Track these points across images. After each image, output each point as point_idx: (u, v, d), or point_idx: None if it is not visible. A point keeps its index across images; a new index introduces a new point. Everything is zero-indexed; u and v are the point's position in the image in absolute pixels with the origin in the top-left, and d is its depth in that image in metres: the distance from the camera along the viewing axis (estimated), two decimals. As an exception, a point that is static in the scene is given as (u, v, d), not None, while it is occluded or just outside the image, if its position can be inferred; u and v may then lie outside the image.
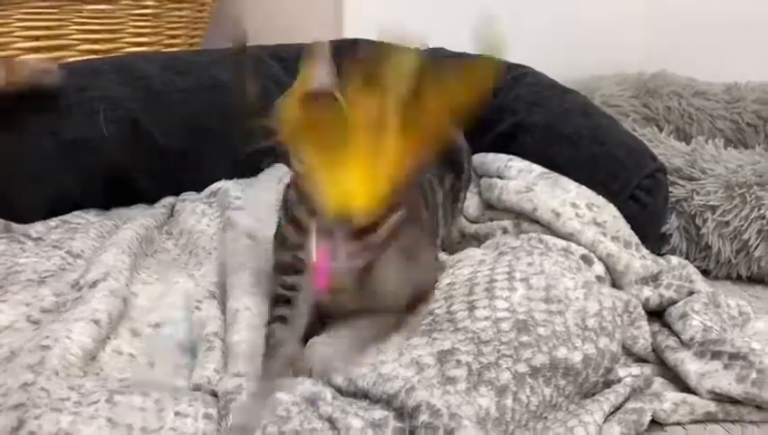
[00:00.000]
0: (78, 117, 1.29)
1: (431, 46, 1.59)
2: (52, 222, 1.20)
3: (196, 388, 0.83)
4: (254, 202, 1.23)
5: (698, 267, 1.22)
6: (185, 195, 1.33)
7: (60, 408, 0.70)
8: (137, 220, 1.18)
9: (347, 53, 1.53)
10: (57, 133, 1.27)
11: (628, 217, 1.17)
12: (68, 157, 1.26)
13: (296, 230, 0.90)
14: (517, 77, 1.44)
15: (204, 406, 0.76)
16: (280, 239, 0.95)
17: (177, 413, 0.73)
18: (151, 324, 0.93)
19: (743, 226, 1.34)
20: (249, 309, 0.93)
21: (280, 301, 0.93)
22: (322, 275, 0.67)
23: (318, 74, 0.80)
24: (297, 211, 0.90)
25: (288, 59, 1.52)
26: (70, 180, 1.26)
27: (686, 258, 1.29)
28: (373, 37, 1.60)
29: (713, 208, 1.35)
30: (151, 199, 1.33)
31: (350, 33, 1.77)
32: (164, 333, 0.92)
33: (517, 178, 1.21)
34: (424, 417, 0.74)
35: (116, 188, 1.31)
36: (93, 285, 0.93)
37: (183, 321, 0.94)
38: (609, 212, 1.15)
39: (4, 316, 0.90)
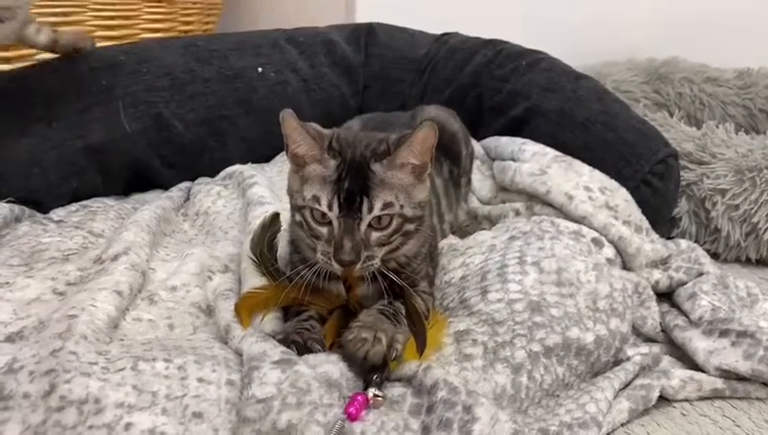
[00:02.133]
0: (103, 118, 1.32)
1: (445, 31, 1.62)
2: (73, 207, 1.23)
3: (225, 331, 0.86)
4: (266, 179, 1.26)
5: (708, 250, 1.23)
6: (200, 179, 1.36)
7: (89, 372, 0.73)
8: (155, 202, 1.21)
9: (364, 37, 1.57)
10: (84, 136, 1.29)
11: (640, 202, 1.19)
12: (93, 156, 1.29)
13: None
14: (531, 63, 1.45)
15: (227, 372, 0.77)
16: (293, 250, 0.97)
17: (200, 380, 0.75)
18: (167, 288, 0.96)
19: (752, 209, 1.35)
20: None
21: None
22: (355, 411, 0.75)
23: None
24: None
25: (305, 43, 1.54)
26: (94, 177, 1.30)
27: (696, 241, 1.31)
28: (386, 20, 1.64)
29: (723, 192, 1.37)
30: (164, 186, 1.36)
31: (362, 16, 1.79)
32: (179, 295, 0.95)
33: (531, 161, 1.23)
34: (442, 393, 0.77)
35: (136, 179, 1.35)
36: (115, 258, 0.96)
37: (197, 285, 0.98)
38: (621, 196, 1.17)
39: (32, 290, 0.93)
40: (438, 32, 1.62)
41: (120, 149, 1.31)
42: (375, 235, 0.84)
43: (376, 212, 0.83)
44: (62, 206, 1.23)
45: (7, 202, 1.17)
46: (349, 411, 0.74)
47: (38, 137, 1.25)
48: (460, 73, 1.48)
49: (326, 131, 0.88)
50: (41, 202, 1.22)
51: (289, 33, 1.56)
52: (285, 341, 0.83)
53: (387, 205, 0.83)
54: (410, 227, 0.86)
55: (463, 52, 1.52)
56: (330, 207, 0.83)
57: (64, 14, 1.59)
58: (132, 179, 1.35)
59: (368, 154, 0.85)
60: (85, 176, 1.28)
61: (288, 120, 0.84)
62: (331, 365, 0.79)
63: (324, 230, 0.84)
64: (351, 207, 0.82)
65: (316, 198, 0.83)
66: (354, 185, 0.82)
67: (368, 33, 1.59)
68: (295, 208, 0.87)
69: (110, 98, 1.33)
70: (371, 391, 0.77)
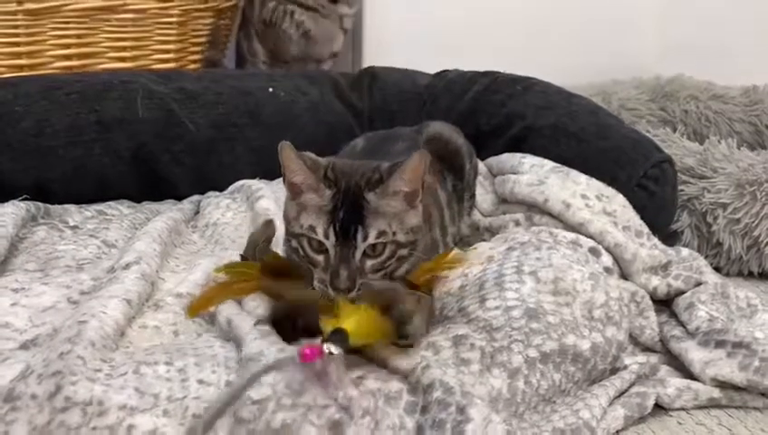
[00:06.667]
0: (118, 99, 1.40)
1: (439, 70, 1.67)
2: (88, 212, 1.28)
3: (227, 324, 0.89)
4: (273, 193, 1.29)
5: (710, 264, 1.23)
6: (210, 193, 1.39)
7: (93, 378, 0.75)
8: (166, 213, 1.25)
9: (367, 79, 1.62)
10: (97, 111, 1.38)
11: (637, 206, 1.21)
12: (103, 131, 1.37)
13: None
14: (526, 87, 1.51)
15: (226, 373, 0.80)
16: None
17: (200, 381, 0.78)
18: (173, 294, 0.99)
19: (753, 223, 1.36)
20: None
21: None
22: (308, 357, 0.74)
23: None
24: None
25: (314, 77, 1.64)
26: (100, 151, 1.36)
27: (698, 255, 1.32)
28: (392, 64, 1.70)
29: (724, 206, 1.38)
30: (172, 186, 1.41)
31: (369, 61, 1.88)
32: (184, 301, 0.98)
33: (530, 172, 1.26)
34: (437, 393, 0.79)
35: (144, 168, 1.40)
36: (127, 267, 0.99)
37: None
38: (618, 202, 1.19)
39: (48, 297, 0.96)
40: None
41: (129, 130, 1.38)
42: (369, 262, 0.87)
43: (370, 240, 0.87)
44: (65, 178, 1.32)
45: (22, 200, 1.22)
46: (304, 352, 0.73)
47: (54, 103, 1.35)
48: (459, 102, 1.54)
49: (322, 161, 0.91)
50: (44, 174, 1.32)
51: (300, 70, 1.72)
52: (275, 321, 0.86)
53: (381, 233, 0.87)
54: (404, 251, 0.90)
55: (461, 83, 1.59)
56: (326, 235, 0.86)
57: (78, 36, 1.64)
58: (139, 169, 1.39)
59: (362, 183, 0.88)
60: (91, 148, 1.35)
61: (285, 150, 0.88)
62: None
63: (321, 258, 0.87)
64: (347, 236, 0.86)
65: (312, 228, 0.87)
66: (349, 214, 0.86)
67: (371, 77, 1.66)
68: (291, 235, 0.91)
69: (129, 88, 1.42)
70: (327, 347, 0.74)
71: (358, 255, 0.86)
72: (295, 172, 0.89)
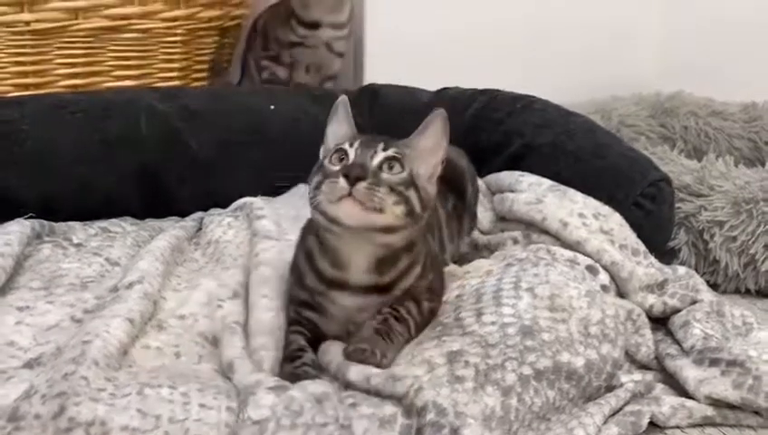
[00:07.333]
0: (121, 119, 1.43)
1: (443, 86, 1.69)
2: (92, 229, 1.30)
3: (228, 368, 0.90)
4: (274, 213, 1.31)
5: (707, 281, 1.25)
6: (213, 210, 1.41)
7: (97, 398, 0.77)
8: (169, 231, 1.26)
9: (368, 96, 1.65)
10: (101, 130, 1.41)
11: (634, 225, 1.23)
12: (107, 148, 1.39)
13: (317, 278, 0.97)
14: (525, 105, 1.53)
15: (228, 400, 0.81)
16: (297, 276, 1.00)
17: (201, 405, 0.79)
18: (175, 316, 1.01)
19: (750, 240, 1.37)
20: (266, 296, 1.02)
21: (296, 323, 1.00)
22: None
23: None
24: (320, 263, 0.97)
25: (317, 96, 1.66)
26: (104, 169, 1.38)
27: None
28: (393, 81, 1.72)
29: (720, 224, 1.39)
30: (176, 203, 1.43)
31: (370, 77, 1.90)
32: (187, 323, 0.99)
33: (528, 191, 1.28)
34: (431, 416, 0.80)
35: (148, 185, 1.42)
36: (129, 286, 1.00)
37: (205, 316, 1.02)
38: (615, 221, 1.21)
39: (52, 316, 0.98)
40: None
41: (133, 148, 1.41)
42: (385, 175, 0.90)
43: (390, 152, 0.90)
44: (70, 198, 1.34)
45: (27, 218, 1.24)
46: None
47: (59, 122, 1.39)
48: (459, 119, 1.53)
49: None
50: (50, 191, 1.34)
51: (301, 88, 1.77)
52: None
53: (400, 153, 0.91)
54: (414, 200, 0.91)
55: (461, 100, 1.62)
56: (350, 144, 0.91)
57: (84, 55, 1.66)
58: (144, 186, 1.41)
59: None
60: (96, 168, 1.37)
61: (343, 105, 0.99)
62: (319, 385, 0.82)
63: (339, 166, 0.90)
64: (368, 146, 0.91)
65: (338, 144, 0.93)
66: (376, 137, 0.93)
67: (372, 94, 1.69)
68: (318, 172, 0.93)
69: (132, 107, 1.45)
70: None
71: (376, 159, 0.89)
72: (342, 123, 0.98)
